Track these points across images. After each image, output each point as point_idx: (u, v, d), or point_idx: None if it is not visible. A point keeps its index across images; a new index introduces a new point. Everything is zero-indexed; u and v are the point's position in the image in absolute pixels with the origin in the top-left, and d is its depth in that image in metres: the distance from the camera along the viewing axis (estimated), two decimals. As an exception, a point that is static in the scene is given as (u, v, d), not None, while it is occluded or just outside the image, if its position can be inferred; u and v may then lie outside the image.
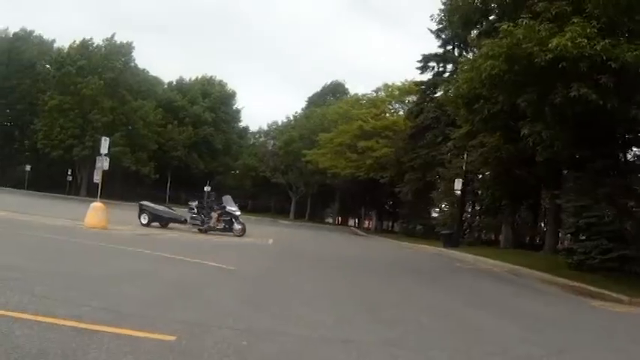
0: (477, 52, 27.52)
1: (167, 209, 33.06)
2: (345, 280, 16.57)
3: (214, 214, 31.06)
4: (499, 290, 18.50)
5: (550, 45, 19.17)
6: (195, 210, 31.97)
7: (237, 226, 30.87)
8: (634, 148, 27.48)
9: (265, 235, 33.88)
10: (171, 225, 31.32)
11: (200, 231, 30.83)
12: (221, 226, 31.00)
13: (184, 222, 31.34)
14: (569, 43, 18.79)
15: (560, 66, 19.39)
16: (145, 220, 30.55)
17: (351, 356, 7.16)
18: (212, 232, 30.51)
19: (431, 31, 52.06)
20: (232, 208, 31.76)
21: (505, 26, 20.98)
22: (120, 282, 10.87)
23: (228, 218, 31.19)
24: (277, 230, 35.56)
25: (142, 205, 31.88)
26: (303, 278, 15.47)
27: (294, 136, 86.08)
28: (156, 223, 30.74)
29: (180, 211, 33.08)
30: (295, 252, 25.27)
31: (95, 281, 10.64)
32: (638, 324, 14.08)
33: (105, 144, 27.78)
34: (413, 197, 53.80)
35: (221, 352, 6.62)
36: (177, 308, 8.98)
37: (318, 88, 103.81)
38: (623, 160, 26.52)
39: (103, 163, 27.84)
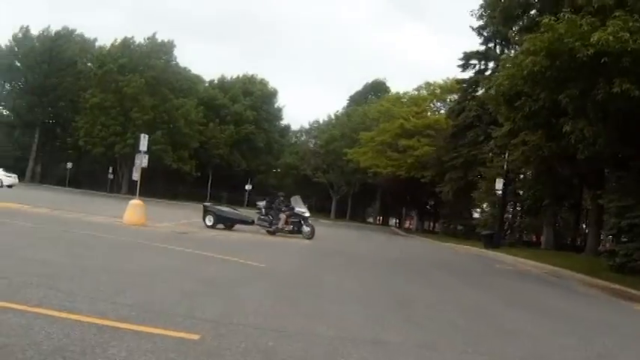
0: (518, 48, 27.01)
1: (233, 210, 31.85)
2: (382, 279, 16.25)
3: (283, 216, 29.88)
4: (537, 292, 17.93)
5: (592, 40, 18.61)
6: (263, 211, 30.95)
7: (306, 228, 29.72)
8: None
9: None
10: (238, 227, 30.47)
11: (269, 232, 29.78)
12: (289, 227, 29.93)
13: (251, 223, 30.08)
14: (611, 38, 18.26)
15: (602, 61, 18.88)
16: (209, 221, 29.54)
17: (380, 359, 6.81)
18: (280, 233, 29.58)
19: (472, 28, 51.59)
20: (301, 209, 30.62)
21: (546, 20, 20.44)
22: (150, 279, 10.69)
23: (297, 220, 29.98)
24: (318, 229, 35.36)
25: (206, 206, 31.19)
26: (340, 277, 15.03)
27: (336, 135, 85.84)
28: (221, 225, 29.62)
29: (249, 213, 33.09)
30: (335, 251, 24.83)
31: (125, 277, 10.41)
32: None
33: (144, 141, 27.43)
34: (454, 197, 53.35)
35: (245, 352, 6.31)
36: (206, 306, 8.64)
37: (359, 87, 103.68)
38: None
39: (142, 161, 27.52)
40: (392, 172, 64.47)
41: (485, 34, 51.79)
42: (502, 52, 48.94)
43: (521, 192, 45.75)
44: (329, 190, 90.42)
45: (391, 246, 36.47)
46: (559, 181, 35.68)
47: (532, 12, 27.96)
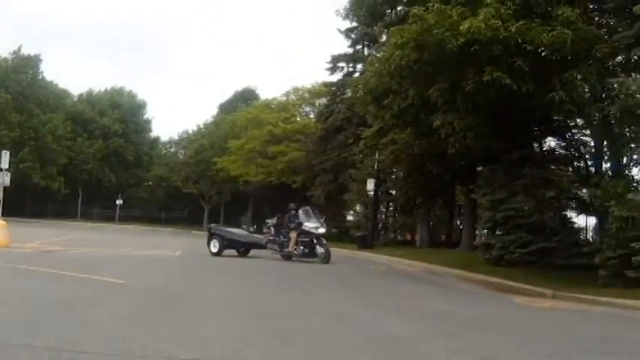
0: (385, 46, 26.52)
1: (244, 232, 28.85)
2: (250, 288, 15.35)
3: (292, 235, 25.31)
4: (415, 292, 17.29)
5: (462, 28, 18.14)
6: (272, 230, 26.80)
7: (319, 250, 24.75)
8: (549, 139, 27.11)
9: (174, 246, 31.26)
10: (253, 252, 26.74)
11: (283, 257, 25.70)
12: (299, 250, 25.24)
13: (265, 247, 26.52)
14: (483, 25, 17.87)
15: (472, 49, 18.45)
16: (214, 247, 25.98)
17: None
18: (295, 258, 25.32)
19: (340, 31, 51.27)
20: (311, 224, 25.43)
21: (415, 11, 19.81)
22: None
23: (308, 239, 25.09)
24: (188, 241, 33.60)
25: (211, 229, 27.59)
26: (205, 290, 14.07)
27: (205, 145, 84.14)
28: (232, 251, 26.14)
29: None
30: (203, 262, 23.39)
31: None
32: (566, 321, 12.94)
33: (5, 158, 25.48)
34: (326, 201, 52.71)
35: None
36: (51, 331, 7.49)
37: (229, 96, 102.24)
38: (539, 150, 25.70)
39: (4, 179, 25.56)
40: (262, 179, 63.40)
41: (353, 36, 51.71)
42: (370, 53, 48.85)
43: (393, 191, 45.52)
44: (200, 201, 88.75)
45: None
46: (431, 179, 35.52)
47: (399, 8, 27.43)
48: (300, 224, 25.31)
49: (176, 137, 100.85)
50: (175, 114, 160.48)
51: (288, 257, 25.34)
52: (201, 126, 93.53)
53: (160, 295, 12.38)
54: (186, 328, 8.65)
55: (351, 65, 54.56)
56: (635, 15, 16.89)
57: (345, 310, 11.96)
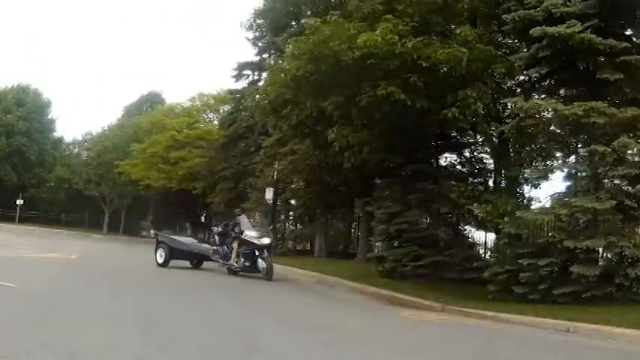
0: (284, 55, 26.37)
1: (194, 241, 25.73)
2: (137, 295, 14.81)
3: (234, 245, 22.43)
4: (302, 302, 17.04)
5: (359, 41, 18.04)
6: (217, 239, 24.17)
7: (261, 264, 21.48)
8: (446, 154, 27.08)
9: (71, 249, 30.09)
10: (206, 264, 24.46)
11: (228, 271, 22.72)
12: (240, 263, 22.30)
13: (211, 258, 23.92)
14: (380, 39, 17.81)
15: (368, 63, 18.44)
16: (160, 257, 23.43)
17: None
18: (242, 272, 22.45)
19: (248, 39, 50.90)
20: (253, 233, 22.38)
21: (312, 22, 19.66)
22: None
23: (249, 250, 22.02)
24: (86, 244, 32.49)
25: (158, 235, 24.97)
26: (92, 295, 13.66)
27: (108, 147, 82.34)
28: (183, 262, 23.99)
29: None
30: (96, 267, 22.48)
31: None
32: (444, 334, 12.88)
33: None
34: (225, 208, 52.31)
35: None
36: None
37: (135, 98, 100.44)
38: (435, 165, 25.82)
39: None
40: (163, 185, 62.62)
41: (260, 44, 51.26)
42: (276, 62, 48.72)
43: (293, 201, 45.31)
44: (101, 204, 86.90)
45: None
46: (329, 190, 35.37)
47: (303, 20, 27.29)
48: (241, 233, 22.31)
49: (80, 138, 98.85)
50: (81, 115, 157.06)
51: (233, 271, 22.44)
52: (106, 128, 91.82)
53: (47, 299, 11.95)
54: (64, 334, 8.35)
55: (256, 73, 54.15)
56: (533, 37, 16.98)
57: (225, 319, 11.67)
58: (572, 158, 18.52)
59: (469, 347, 10.70)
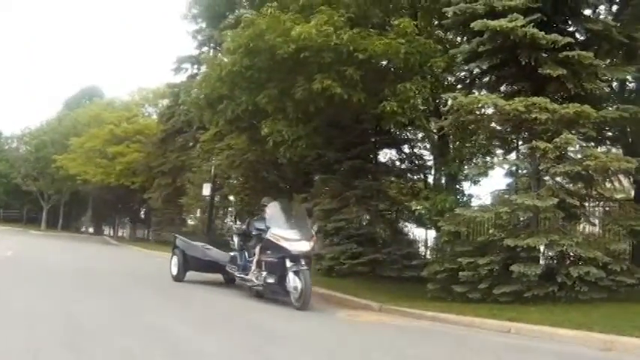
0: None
1: (216, 250, 19.06)
2: (66, 296, 13.79)
3: (256, 250, 15.77)
4: (235, 303, 15.90)
5: (293, 33, 17.29)
6: (236, 244, 17.56)
7: (292, 281, 14.35)
8: (386, 150, 26.69)
9: (7, 245, 28.87)
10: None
11: (254, 292, 16.14)
12: (261, 278, 15.31)
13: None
14: (314, 31, 17.10)
15: (302, 56, 17.75)
16: (175, 267, 19.17)
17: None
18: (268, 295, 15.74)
19: (188, 32, 50.24)
20: (282, 230, 15.09)
21: (247, 16, 19.12)
22: None
23: (276, 259, 14.87)
24: (23, 240, 31.42)
25: (176, 239, 20.30)
26: (17, 296, 12.81)
27: (46, 141, 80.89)
28: (196, 275, 19.43)
29: None
30: (28, 265, 21.38)
31: None
32: (376, 336, 12.09)
33: None
34: (163, 204, 52.11)
35: None
36: None
37: (75, 92, 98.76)
38: (374, 162, 25.35)
39: None
40: (101, 180, 61.29)
41: (199, 38, 50.57)
42: (214, 56, 48.11)
43: (232, 197, 44.65)
44: (40, 200, 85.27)
45: (96, 256, 33.26)
46: (268, 186, 34.72)
47: (238, 12, 26.60)
48: (264, 230, 15.41)
49: (19, 132, 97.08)
50: (21, 109, 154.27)
51: (259, 294, 15.92)
52: (44, 122, 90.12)
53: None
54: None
55: (195, 67, 53.44)
56: (474, 31, 16.42)
57: (153, 322, 10.96)
58: (514, 155, 18.04)
59: (403, 350, 10.03)
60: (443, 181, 23.21)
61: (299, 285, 14.11)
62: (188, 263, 19.02)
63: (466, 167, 21.85)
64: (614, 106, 16.70)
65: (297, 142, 20.91)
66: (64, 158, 67.26)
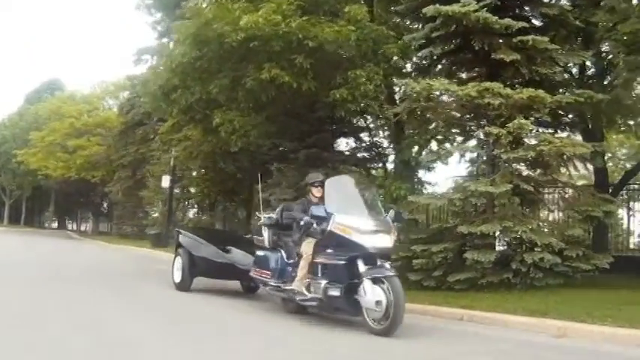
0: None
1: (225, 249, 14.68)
2: (17, 295, 12.75)
3: (305, 248, 11.00)
4: (190, 301, 14.45)
5: (241, 23, 16.90)
6: (266, 241, 12.42)
7: (370, 296, 9.59)
8: (345, 139, 26.43)
9: None
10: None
11: (289, 305, 11.91)
12: (317, 290, 10.44)
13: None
14: (261, 20, 16.71)
15: (252, 45, 17.39)
16: (178, 272, 14.94)
17: None
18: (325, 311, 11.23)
19: (147, 23, 49.56)
20: (353, 221, 10.26)
21: (192, 5, 19.04)
22: None
23: (343, 260, 10.16)
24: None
25: (179, 234, 16.01)
26: None
27: (7, 136, 79.79)
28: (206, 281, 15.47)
29: None
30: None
31: None
32: (332, 326, 10.49)
33: None
34: (124, 197, 51.80)
35: None
36: None
37: (36, 85, 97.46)
38: (331, 150, 24.96)
39: None
40: (62, 174, 60.38)
41: (159, 28, 49.75)
42: (166, 47, 47.61)
43: (192, 189, 44.24)
44: (1, 195, 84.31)
45: (57, 251, 32.39)
46: (226, 177, 34.46)
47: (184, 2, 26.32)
48: (321, 219, 10.69)
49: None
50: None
51: (298, 306, 11.43)
52: (5, 117, 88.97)
53: None
54: None
55: (155, 58, 52.75)
56: (427, 16, 16.12)
57: (111, 322, 9.42)
58: (474, 142, 17.87)
59: (352, 339, 9.55)
60: (395, 169, 23.10)
61: (382, 298, 9.52)
62: (196, 267, 14.69)
63: (422, 154, 21.66)
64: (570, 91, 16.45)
65: (249, 132, 20.62)
66: (25, 153, 66.37)
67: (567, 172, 17.50)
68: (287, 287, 11.32)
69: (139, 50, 52.55)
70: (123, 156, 51.19)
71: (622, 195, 22.24)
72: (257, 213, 14.03)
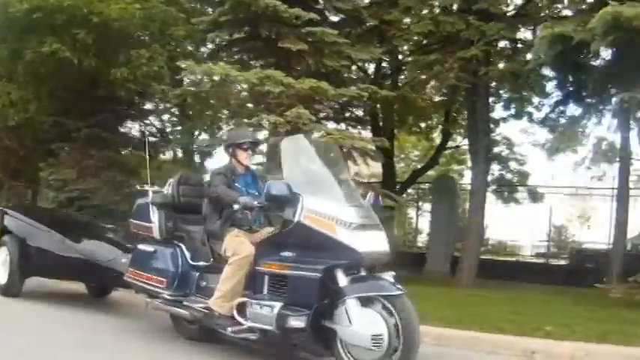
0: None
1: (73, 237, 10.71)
2: None
3: (230, 252, 7.07)
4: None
5: None
6: (156, 228, 8.28)
7: (355, 328, 5.96)
8: (130, 122, 25.42)
9: None
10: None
11: (179, 324, 8.32)
12: (264, 319, 6.47)
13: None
14: None
15: (35, 17, 16.72)
16: (1, 271, 10.80)
17: None
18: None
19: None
20: (345, 212, 6.42)
21: None
22: None
23: (316, 270, 6.33)
24: None
25: (4, 217, 11.44)
26: None
27: None
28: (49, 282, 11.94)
29: None
30: None
31: None
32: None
33: None
34: None
35: None
36: None
37: None
38: (116, 132, 24.11)
39: None
40: None
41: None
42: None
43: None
44: None
45: None
46: (11, 154, 32.65)
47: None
48: (282, 201, 6.78)
49: None
50: None
51: (202, 331, 7.90)
52: None
53: None
54: None
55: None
56: (217, 1, 16.28)
57: None
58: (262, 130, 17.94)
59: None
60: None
61: (382, 331, 6.01)
62: (31, 262, 10.59)
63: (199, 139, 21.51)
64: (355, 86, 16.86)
65: (28, 106, 19.70)
66: None
67: (356, 168, 17.91)
68: (194, 305, 7.45)
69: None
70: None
71: (413, 195, 23.04)
72: (144, 185, 10.44)
